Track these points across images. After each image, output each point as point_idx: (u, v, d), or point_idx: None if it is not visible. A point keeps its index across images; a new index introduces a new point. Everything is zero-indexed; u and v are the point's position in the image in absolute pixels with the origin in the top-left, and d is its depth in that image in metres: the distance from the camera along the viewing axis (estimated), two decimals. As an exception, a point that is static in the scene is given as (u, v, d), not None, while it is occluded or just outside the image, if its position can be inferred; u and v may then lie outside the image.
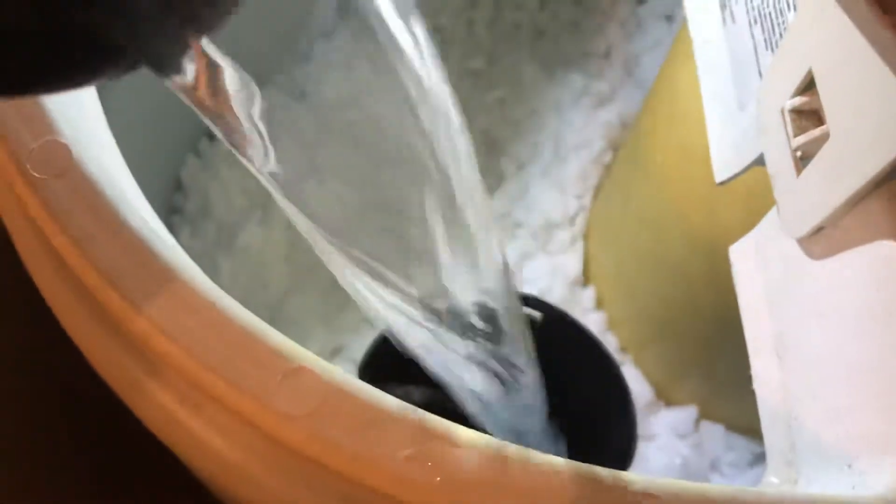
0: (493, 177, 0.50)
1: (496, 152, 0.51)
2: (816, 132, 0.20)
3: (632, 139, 0.42)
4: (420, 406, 0.17)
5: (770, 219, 0.23)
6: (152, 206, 0.46)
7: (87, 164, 0.18)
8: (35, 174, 0.18)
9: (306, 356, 0.17)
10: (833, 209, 0.19)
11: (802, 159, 0.20)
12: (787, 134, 0.20)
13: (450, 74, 0.53)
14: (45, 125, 0.19)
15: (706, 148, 0.29)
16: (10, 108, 0.19)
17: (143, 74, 0.43)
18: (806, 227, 0.20)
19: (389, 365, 0.33)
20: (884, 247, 0.18)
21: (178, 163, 0.47)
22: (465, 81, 0.53)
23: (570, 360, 0.33)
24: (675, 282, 0.38)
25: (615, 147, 0.50)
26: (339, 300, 0.46)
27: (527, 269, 0.47)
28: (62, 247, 0.18)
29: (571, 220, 0.49)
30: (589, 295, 0.47)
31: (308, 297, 0.45)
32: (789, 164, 0.20)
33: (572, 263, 0.47)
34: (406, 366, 0.33)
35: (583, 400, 0.33)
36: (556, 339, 0.33)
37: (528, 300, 0.33)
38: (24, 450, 0.33)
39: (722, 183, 0.25)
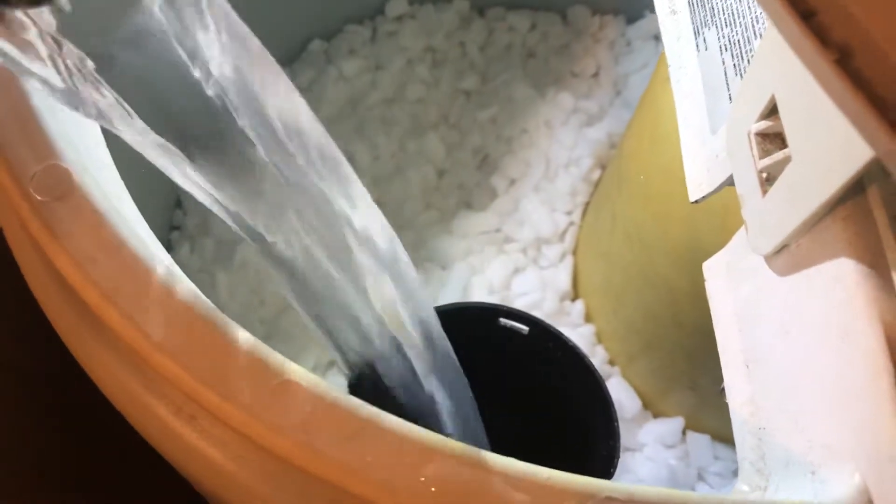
0: (485, 193, 0.51)
1: (488, 169, 0.52)
2: (779, 155, 0.21)
3: (617, 158, 0.43)
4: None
5: (740, 237, 0.24)
6: (153, 223, 0.48)
7: (87, 187, 0.20)
8: (37, 197, 0.19)
9: (295, 370, 0.18)
10: (794, 228, 0.20)
11: (768, 181, 0.21)
12: (753, 156, 0.21)
13: (443, 94, 0.54)
14: (47, 149, 0.20)
15: (687, 167, 0.30)
16: (14, 131, 0.20)
17: (145, 94, 0.43)
18: (770, 245, 0.21)
19: (380, 379, 0.34)
20: (838, 266, 0.19)
21: (177, 181, 0.48)
22: (457, 101, 0.54)
23: (555, 372, 0.34)
24: (659, 297, 0.39)
25: (603, 164, 0.51)
26: (333, 315, 0.47)
27: (517, 283, 0.48)
28: (64, 267, 0.19)
29: (561, 236, 0.50)
30: (578, 309, 0.48)
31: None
32: (755, 185, 0.21)
33: (562, 278, 0.49)
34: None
35: (568, 410, 0.34)
36: (542, 352, 0.34)
37: (516, 315, 0.33)
38: (17, 450, 0.34)
39: (696, 202, 0.26)
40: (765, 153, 0.21)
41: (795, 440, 0.20)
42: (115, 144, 0.39)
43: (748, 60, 0.23)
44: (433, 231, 0.50)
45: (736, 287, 0.23)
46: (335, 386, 0.19)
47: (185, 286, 0.19)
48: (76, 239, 0.19)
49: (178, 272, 0.20)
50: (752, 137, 0.21)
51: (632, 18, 0.56)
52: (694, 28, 0.26)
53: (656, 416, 0.46)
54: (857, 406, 0.18)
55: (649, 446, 0.44)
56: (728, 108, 0.24)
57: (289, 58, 0.53)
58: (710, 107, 0.25)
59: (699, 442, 0.44)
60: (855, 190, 0.19)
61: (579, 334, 0.47)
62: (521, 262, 0.49)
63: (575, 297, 0.49)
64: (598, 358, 0.46)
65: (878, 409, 0.18)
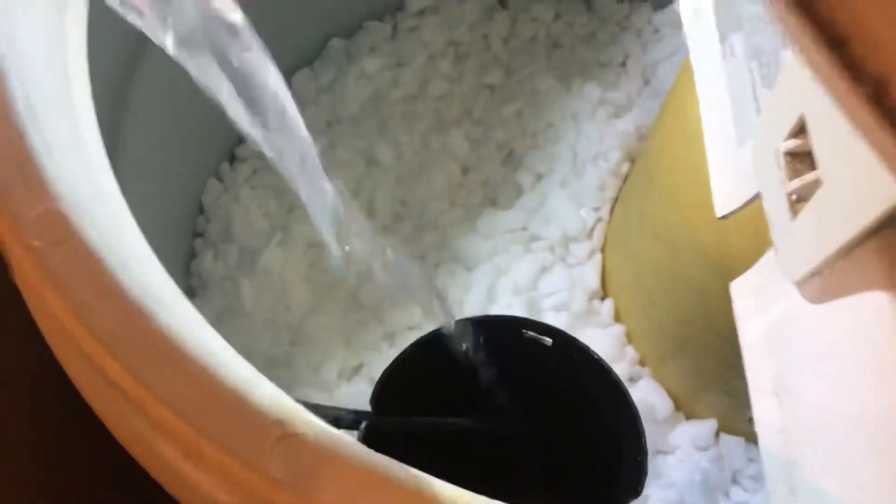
0: (511, 190, 0.50)
1: (514, 165, 0.51)
2: (810, 177, 0.19)
3: (645, 155, 0.42)
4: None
5: (769, 258, 0.22)
6: (175, 231, 0.47)
7: (85, 230, 0.19)
8: (34, 243, 0.19)
9: (299, 419, 0.17)
10: (826, 256, 0.19)
11: (798, 202, 0.20)
12: (781, 177, 0.20)
13: (467, 89, 0.53)
14: (44, 192, 0.19)
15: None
16: (12, 174, 0.19)
17: (167, 102, 0.43)
18: (801, 271, 0.20)
19: (404, 387, 0.34)
20: (876, 298, 0.17)
21: (200, 187, 0.47)
22: (481, 95, 0.53)
23: (581, 384, 0.33)
24: (690, 299, 0.38)
25: (632, 157, 0.50)
26: (359, 319, 0.46)
27: (544, 282, 0.47)
28: (61, 315, 0.18)
29: (589, 233, 0.48)
30: (607, 308, 0.47)
31: (328, 317, 0.46)
32: (784, 207, 0.20)
33: (590, 276, 0.47)
34: (420, 388, 0.34)
35: (595, 423, 0.33)
36: (567, 364, 0.33)
37: (540, 327, 0.33)
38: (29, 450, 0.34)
39: (723, 217, 0.24)
40: (794, 174, 0.20)
41: (828, 480, 0.19)
42: (132, 154, 0.39)
43: (777, 72, 0.22)
44: (458, 231, 0.49)
45: (765, 310, 0.22)
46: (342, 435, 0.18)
47: (187, 330, 0.19)
48: (73, 286, 0.18)
49: (181, 315, 0.20)
50: (781, 157, 0.20)
51: (659, 4, 0.54)
52: (720, 32, 0.25)
53: (689, 417, 0.44)
54: (894, 453, 0.17)
55: (682, 449, 0.43)
56: (755, 120, 0.23)
57: (308, 57, 0.52)
58: (736, 117, 0.24)
59: (733, 444, 0.43)
60: (893, 219, 0.18)
61: (609, 334, 0.45)
62: (549, 261, 0.48)
63: (604, 296, 0.47)
64: (627, 358, 0.45)
65: (918, 456, 0.17)
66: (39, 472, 0.35)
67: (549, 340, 0.32)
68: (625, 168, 0.49)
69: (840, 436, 0.19)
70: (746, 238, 0.32)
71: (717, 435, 0.43)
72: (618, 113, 0.51)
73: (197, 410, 0.17)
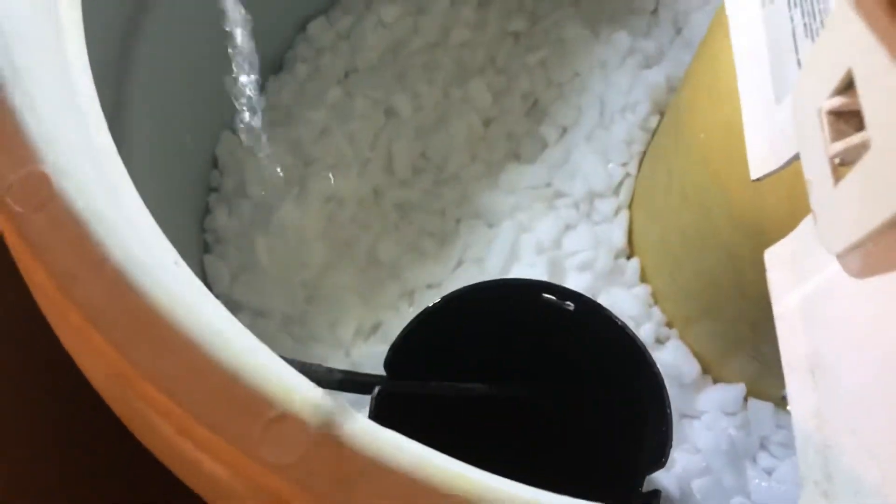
0: (535, 143, 0.48)
1: (538, 117, 0.49)
2: (856, 139, 0.18)
3: (675, 109, 0.40)
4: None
5: (807, 226, 0.21)
6: (191, 184, 0.46)
7: (69, 194, 0.18)
8: (16, 208, 0.18)
9: (297, 397, 0.16)
10: (872, 228, 0.17)
11: (841, 166, 0.18)
12: (824, 138, 0.18)
13: (490, 37, 0.51)
14: (26, 154, 0.18)
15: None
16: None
17: (178, 53, 0.41)
18: (843, 243, 0.18)
19: (420, 350, 0.33)
20: (926, 276, 0.16)
21: (215, 139, 0.46)
22: (505, 43, 0.51)
23: (603, 351, 0.31)
24: (720, 260, 0.36)
25: (662, 110, 0.47)
26: (377, 276, 0.45)
27: (569, 239, 0.46)
28: (43, 285, 0.17)
29: (616, 189, 0.47)
30: (633, 267, 0.45)
31: (345, 274, 0.45)
32: (826, 172, 0.18)
33: (616, 234, 0.46)
34: (437, 352, 0.33)
35: (619, 392, 0.32)
36: (591, 330, 0.32)
37: (563, 292, 0.31)
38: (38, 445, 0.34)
39: (758, 179, 0.23)
40: (838, 135, 0.18)
41: (867, 468, 0.18)
42: (142, 107, 0.38)
43: (821, 22, 0.20)
44: (479, 186, 0.48)
45: (802, 281, 0.21)
46: (346, 403, 0.17)
47: (177, 303, 0.17)
48: (56, 255, 0.17)
49: (172, 285, 0.18)
50: (824, 116, 0.18)
51: (696, -52, 0.51)
52: (759, -23, 0.23)
53: (716, 381, 0.43)
54: (941, 442, 0.16)
55: (709, 413, 0.42)
56: (796, 74, 0.21)
57: (326, 4, 0.50)
58: (774, 70, 0.22)
59: (762, 410, 0.41)
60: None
61: (634, 294, 0.44)
62: (573, 219, 0.46)
63: (630, 255, 0.46)
64: (654, 319, 0.43)
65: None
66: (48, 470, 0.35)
67: (570, 305, 0.31)
68: (654, 121, 0.47)
69: (882, 424, 0.17)
70: (783, 200, 0.30)
71: (745, 400, 0.42)
72: (647, 63, 0.49)
73: (185, 389, 0.16)
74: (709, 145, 0.34)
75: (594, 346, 0.31)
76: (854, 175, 0.17)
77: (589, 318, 0.31)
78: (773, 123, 0.22)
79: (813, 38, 0.20)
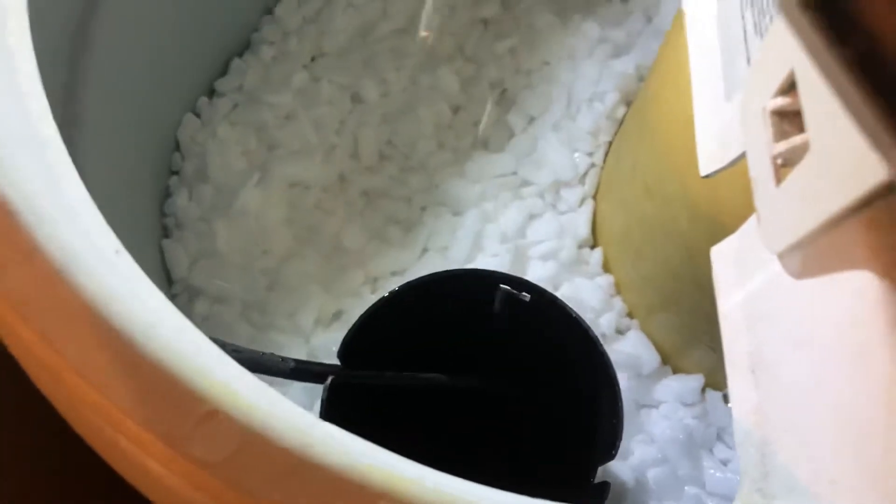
0: (502, 132, 0.48)
1: (506, 105, 0.49)
2: (797, 140, 0.18)
3: (640, 100, 0.40)
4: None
5: (751, 224, 0.21)
6: (151, 167, 0.45)
7: (1, 185, 0.17)
8: (-54, 195, 0.17)
9: (226, 397, 0.16)
10: (810, 229, 0.17)
11: (783, 167, 0.18)
12: (767, 138, 0.18)
13: (459, 23, 0.51)
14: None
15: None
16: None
17: (136, 35, 0.40)
18: (783, 243, 0.18)
19: (375, 340, 0.33)
20: (859, 278, 0.16)
21: (177, 123, 0.45)
22: (475, 29, 0.50)
23: (559, 343, 0.31)
24: (678, 252, 0.36)
25: (629, 101, 0.47)
26: (339, 263, 0.45)
27: (533, 229, 0.46)
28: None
29: (581, 179, 0.47)
30: (596, 257, 0.45)
31: (308, 262, 0.44)
32: (769, 171, 0.18)
33: (581, 224, 0.46)
34: (391, 341, 0.33)
35: (571, 383, 0.32)
36: (546, 322, 0.32)
37: (519, 283, 0.31)
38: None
39: (707, 176, 0.23)
40: (781, 135, 0.18)
41: (802, 466, 0.18)
42: (99, 89, 0.37)
43: (770, 19, 0.20)
44: (446, 173, 0.47)
45: (745, 280, 0.21)
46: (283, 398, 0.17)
47: (109, 295, 0.17)
48: (-15, 244, 0.17)
49: (113, 274, 0.18)
50: (768, 115, 0.18)
51: (666, -64, 0.51)
52: (713, -27, 0.23)
53: (676, 372, 0.43)
54: (869, 443, 0.16)
55: (667, 404, 0.42)
56: (745, 72, 0.21)
57: (293, -14, 0.50)
58: (726, 68, 0.22)
59: (720, 401, 0.42)
60: (885, 191, 0.16)
61: (597, 285, 0.44)
62: (538, 208, 0.46)
63: (594, 245, 0.46)
64: (615, 310, 0.44)
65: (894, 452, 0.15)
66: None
67: (526, 296, 0.31)
68: (621, 111, 0.47)
69: (815, 423, 0.17)
70: (738, 194, 0.30)
71: (703, 391, 0.42)
72: (617, 52, 0.49)
73: (116, 384, 0.16)
74: (670, 137, 0.34)
75: (549, 338, 0.31)
76: (794, 176, 0.17)
77: (544, 309, 0.31)
78: (722, 120, 0.22)
79: (762, 37, 0.20)
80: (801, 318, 0.18)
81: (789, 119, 0.18)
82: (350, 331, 0.31)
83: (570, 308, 0.30)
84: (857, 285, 0.16)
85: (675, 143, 0.34)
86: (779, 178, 0.18)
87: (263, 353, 0.28)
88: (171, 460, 0.16)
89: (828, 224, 0.16)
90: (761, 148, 0.19)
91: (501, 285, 0.31)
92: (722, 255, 0.22)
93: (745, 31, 0.21)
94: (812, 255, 0.18)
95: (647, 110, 0.37)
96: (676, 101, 0.33)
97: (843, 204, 0.15)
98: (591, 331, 0.30)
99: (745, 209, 0.25)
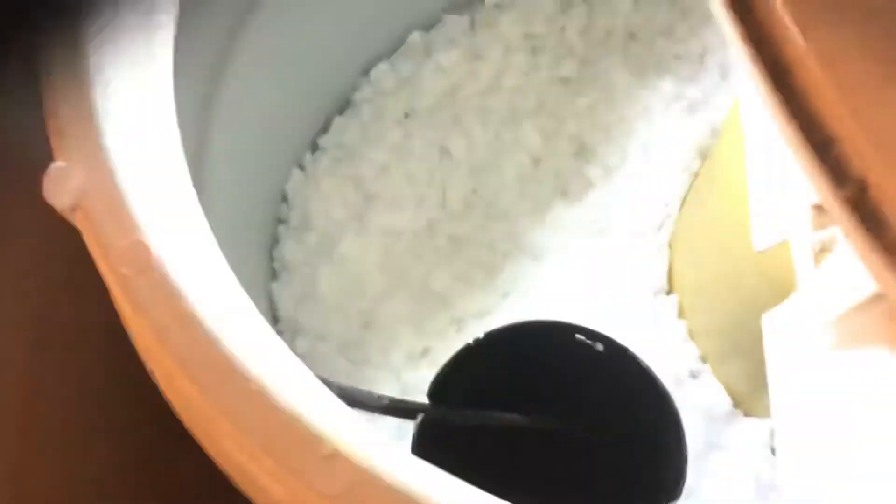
0: (581, 182, 0.51)
1: (585, 158, 0.52)
2: (830, 233, 0.20)
3: (712, 157, 0.42)
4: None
5: (796, 298, 0.23)
6: (261, 216, 0.50)
7: (166, 260, 0.22)
8: (122, 271, 0.21)
9: (343, 439, 0.20)
10: (841, 311, 0.20)
11: (821, 252, 0.21)
12: (809, 227, 0.21)
13: (541, 82, 0.54)
14: (130, 224, 0.22)
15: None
16: (104, 212, 0.22)
17: (254, 94, 0.46)
18: (822, 319, 0.21)
19: (463, 381, 0.36)
20: (881, 359, 0.18)
21: (284, 176, 0.50)
22: (555, 88, 0.54)
23: (629, 390, 0.34)
24: (747, 307, 0.38)
25: (704, 155, 0.50)
26: (427, 305, 0.49)
27: (610, 276, 0.48)
28: (144, 336, 0.21)
29: (657, 228, 0.49)
30: (672, 303, 0.47)
31: (399, 303, 0.48)
32: (809, 255, 0.21)
33: (657, 272, 0.48)
34: (475, 383, 0.36)
35: (639, 426, 0.34)
36: (617, 370, 0.34)
37: (594, 334, 0.34)
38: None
39: (761, 251, 0.25)
40: (819, 225, 0.21)
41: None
42: (221, 150, 0.42)
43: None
44: (527, 221, 0.51)
45: (791, 348, 0.23)
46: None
47: (250, 357, 0.21)
48: (154, 311, 0.21)
49: (251, 334, 0.22)
50: (809, 206, 0.21)
51: (742, -4, 0.53)
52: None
53: (747, 415, 0.45)
54: None
55: (737, 447, 0.44)
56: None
57: (389, 50, 0.54)
58: (776, 154, 0.25)
59: (790, 446, 0.43)
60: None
61: (672, 331, 0.46)
62: (616, 256, 0.49)
63: (669, 292, 0.48)
64: (689, 355, 0.46)
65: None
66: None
67: (600, 346, 0.34)
68: (696, 165, 0.49)
69: (853, 482, 0.20)
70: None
71: (772, 435, 0.44)
72: (692, 108, 0.51)
73: (257, 427, 0.20)
74: (741, 199, 0.36)
75: (620, 385, 0.34)
76: (828, 263, 0.20)
77: (616, 358, 0.33)
78: (774, 201, 0.24)
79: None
80: (841, 389, 0.21)
81: (826, 213, 0.21)
82: (440, 372, 0.35)
83: (640, 358, 0.33)
84: (882, 366, 0.18)
85: (741, 204, 0.36)
86: (818, 262, 0.21)
87: (362, 391, 0.32)
88: (299, 492, 0.19)
89: (855, 309, 0.19)
90: (803, 233, 0.21)
91: (577, 335, 0.34)
92: (771, 323, 0.24)
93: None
94: (844, 333, 0.20)
95: (718, 169, 0.39)
96: (743, 165, 0.36)
97: (862, 296, 0.18)
98: (659, 380, 0.33)
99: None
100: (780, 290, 0.34)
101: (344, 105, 0.53)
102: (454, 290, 0.49)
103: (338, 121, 0.53)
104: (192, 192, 0.26)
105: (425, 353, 0.47)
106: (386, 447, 0.20)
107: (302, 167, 0.51)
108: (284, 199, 0.50)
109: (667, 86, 0.52)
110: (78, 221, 0.22)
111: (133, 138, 0.24)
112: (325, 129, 0.52)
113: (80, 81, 0.24)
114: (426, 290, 0.49)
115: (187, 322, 0.21)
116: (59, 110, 0.23)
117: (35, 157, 0.24)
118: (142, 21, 0.27)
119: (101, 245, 0.22)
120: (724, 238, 0.39)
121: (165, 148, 0.26)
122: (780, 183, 0.24)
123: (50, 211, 0.23)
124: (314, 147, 0.52)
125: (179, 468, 0.35)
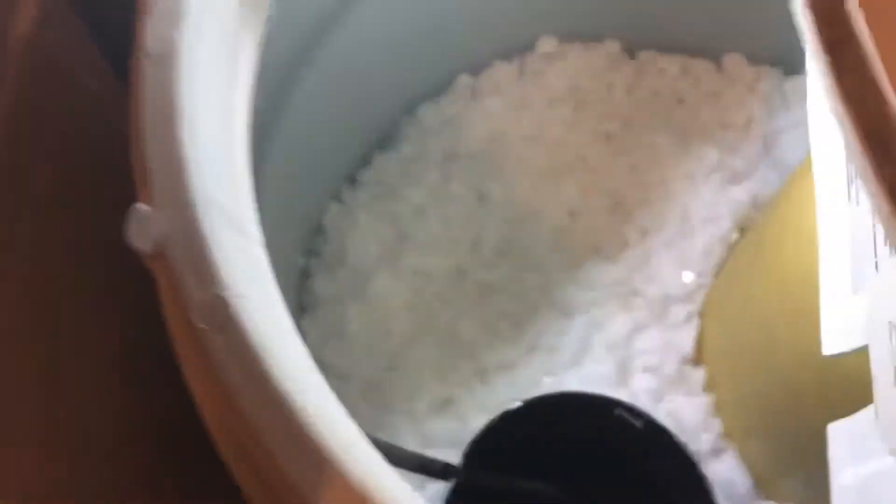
0: (616, 241, 0.51)
1: (622, 217, 0.52)
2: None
3: (758, 236, 0.42)
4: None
5: (869, 412, 0.23)
6: (292, 249, 0.50)
7: (244, 319, 0.21)
8: (201, 325, 0.21)
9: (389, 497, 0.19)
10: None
11: (904, 372, 0.21)
12: (891, 346, 0.21)
13: (583, 136, 0.54)
14: (211, 278, 0.22)
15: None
16: (185, 261, 0.22)
17: (302, 125, 0.45)
18: (900, 442, 0.21)
19: (495, 448, 0.36)
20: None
21: (319, 209, 0.50)
22: (597, 142, 0.54)
23: (664, 468, 0.34)
24: (782, 388, 0.38)
25: (743, 227, 0.50)
26: (453, 352, 0.48)
27: (639, 340, 0.48)
28: (214, 395, 0.21)
29: (690, 297, 0.49)
30: (699, 375, 0.47)
31: (426, 348, 0.48)
32: (890, 375, 0.21)
33: (686, 340, 0.48)
34: (509, 452, 0.36)
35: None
36: (654, 447, 0.34)
37: (630, 409, 0.34)
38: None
39: (830, 356, 0.25)
40: (904, 345, 0.21)
41: None
42: (269, 184, 0.42)
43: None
44: (559, 276, 0.50)
45: (860, 462, 0.23)
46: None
47: (318, 418, 0.21)
48: (230, 372, 0.21)
49: (316, 401, 0.22)
50: (893, 329, 0.21)
51: (790, 71, 0.54)
52: (847, 176, 0.26)
53: (767, 497, 0.45)
54: None
55: (756, 528, 0.44)
56: (872, 274, 0.23)
57: (436, 91, 0.54)
58: (854, 264, 0.25)
59: (809, 532, 0.43)
60: None
61: (697, 403, 0.46)
62: (646, 320, 0.49)
63: (697, 363, 0.48)
64: (713, 430, 0.45)
65: None
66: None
67: (639, 423, 0.33)
68: (734, 237, 0.49)
69: None
70: (854, 357, 0.32)
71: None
72: (734, 179, 0.51)
73: (323, 495, 0.20)
74: (788, 283, 0.36)
75: (656, 463, 0.34)
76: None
77: (654, 437, 0.33)
78: (848, 311, 0.24)
79: (891, 250, 0.23)
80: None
81: (913, 335, 0.21)
82: (477, 435, 0.34)
83: (678, 438, 0.33)
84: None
85: (791, 290, 0.36)
86: (899, 382, 0.21)
87: (398, 448, 0.32)
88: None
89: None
90: (884, 353, 0.21)
91: (616, 410, 0.34)
92: (838, 434, 0.24)
93: (874, 238, 0.24)
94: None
95: (766, 252, 0.39)
96: (795, 252, 0.36)
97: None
98: (697, 463, 0.32)
99: (855, 367, 0.28)
100: (826, 380, 0.34)
101: (386, 142, 0.53)
102: (481, 339, 0.49)
103: (378, 156, 0.53)
104: (262, 248, 0.26)
105: (448, 403, 0.47)
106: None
107: (340, 200, 0.51)
108: (320, 231, 0.50)
109: (710, 153, 0.52)
110: (158, 269, 0.22)
111: (216, 188, 0.24)
112: (364, 163, 0.52)
113: (169, 122, 0.24)
114: (453, 337, 0.49)
115: (263, 386, 0.21)
116: (145, 147, 0.23)
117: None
118: (226, 46, 0.27)
119: (181, 296, 0.22)
120: (767, 321, 0.38)
121: (242, 198, 0.26)
122: (857, 289, 0.24)
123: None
124: (352, 181, 0.52)
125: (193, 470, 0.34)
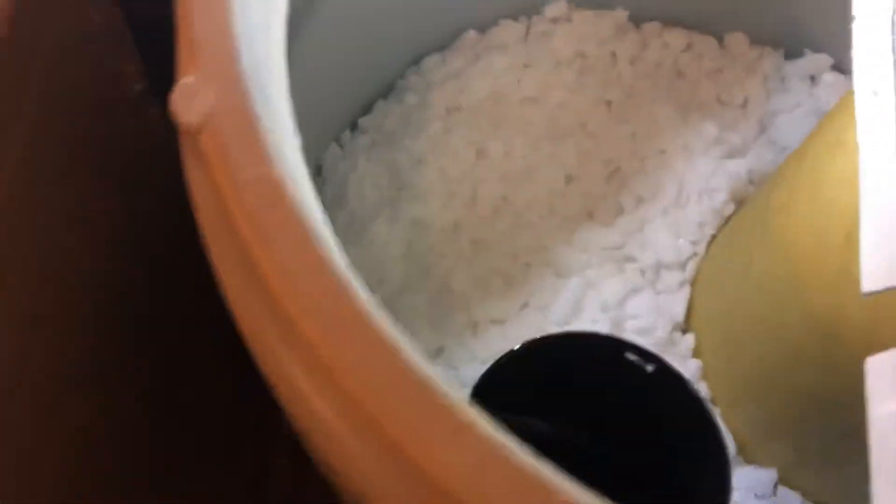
0: (611, 207, 0.51)
1: (618, 184, 0.52)
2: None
3: (761, 205, 0.42)
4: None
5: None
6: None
7: (296, 199, 0.20)
8: (249, 203, 0.20)
9: (474, 417, 0.19)
10: None
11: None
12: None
13: (585, 102, 0.54)
14: (262, 156, 0.21)
15: (848, 238, 0.29)
16: (232, 136, 0.21)
17: (308, 65, 0.44)
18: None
19: (497, 391, 0.35)
20: None
21: (322, 149, 0.49)
22: (598, 109, 0.54)
23: (673, 415, 0.34)
24: (782, 354, 0.39)
25: (738, 200, 0.50)
26: (445, 303, 0.48)
27: (631, 304, 0.48)
28: (267, 275, 0.20)
29: (683, 265, 0.49)
30: (688, 341, 0.47)
31: (418, 297, 0.47)
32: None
33: (678, 307, 0.48)
34: (511, 394, 0.35)
35: (680, 455, 0.34)
36: (664, 392, 0.34)
37: (642, 351, 0.34)
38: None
39: (868, 293, 0.25)
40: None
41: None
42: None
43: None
44: (554, 238, 0.50)
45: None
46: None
47: (376, 313, 0.20)
48: (281, 251, 0.20)
49: (367, 296, 0.21)
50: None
51: (791, 55, 0.54)
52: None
53: (749, 462, 0.45)
54: None
55: (738, 493, 0.44)
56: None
57: (441, 44, 0.53)
58: (901, 201, 0.25)
59: (791, 499, 0.44)
60: None
61: (684, 368, 0.46)
62: (639, 284, 0.49)
63: (686, 329, 0.48)
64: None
65: None
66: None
67: (650, 367, 0.33)
68: (729, 209, 0.50)
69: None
70: (865, 310, 0.32)
71: (775, 486, 0.44)
72: (731, 154, 0.52)
73: (384, 390, 0.19)
74: (797, 246, 0.36)
75: (664, 407, 0.34)
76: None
77: (666, 383, 0.33)
78: (892, 247, 0.24)
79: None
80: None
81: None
82: (482, 376, 0.34)
83: (693, 386, 0.33)
84: None
85: (801, 254, 0.36)
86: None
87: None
88: (426, 461, 0.18)
89: None
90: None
91: (627, 353, 0.33)
92: (879, 367, 0.24)
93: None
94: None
95: (771, 219, 0.39)
96: (810, 216, 0.36)
97: None
98: (711, 412, 0.32)
99: (868, 322, 0.28)
100: (830, 342, 0.35)
101: (388, 90, 0.52)
102: (473, 293, 0.48)
103: (380, 104, 0.52)
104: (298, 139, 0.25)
105: (440, 351, 0.46)
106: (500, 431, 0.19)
107: (341, 144, 0.50)
108: (318, 172, 0.49)
109: (709, 127, 0.52)
110: (203, 144, 0.21)
111: (262, 70, 0.23)
112: (366, 110, 0.51)
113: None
114: (445, 289, 0.48)
115: (315, 269, 0.20)
116: (193, 20, 0.22)
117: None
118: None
119: (227, 173, 0.21)
120: (772, 285, 0.39)
121: (281, 91, 0.25)
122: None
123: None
124: (353, 126, 0.51)
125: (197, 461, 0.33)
